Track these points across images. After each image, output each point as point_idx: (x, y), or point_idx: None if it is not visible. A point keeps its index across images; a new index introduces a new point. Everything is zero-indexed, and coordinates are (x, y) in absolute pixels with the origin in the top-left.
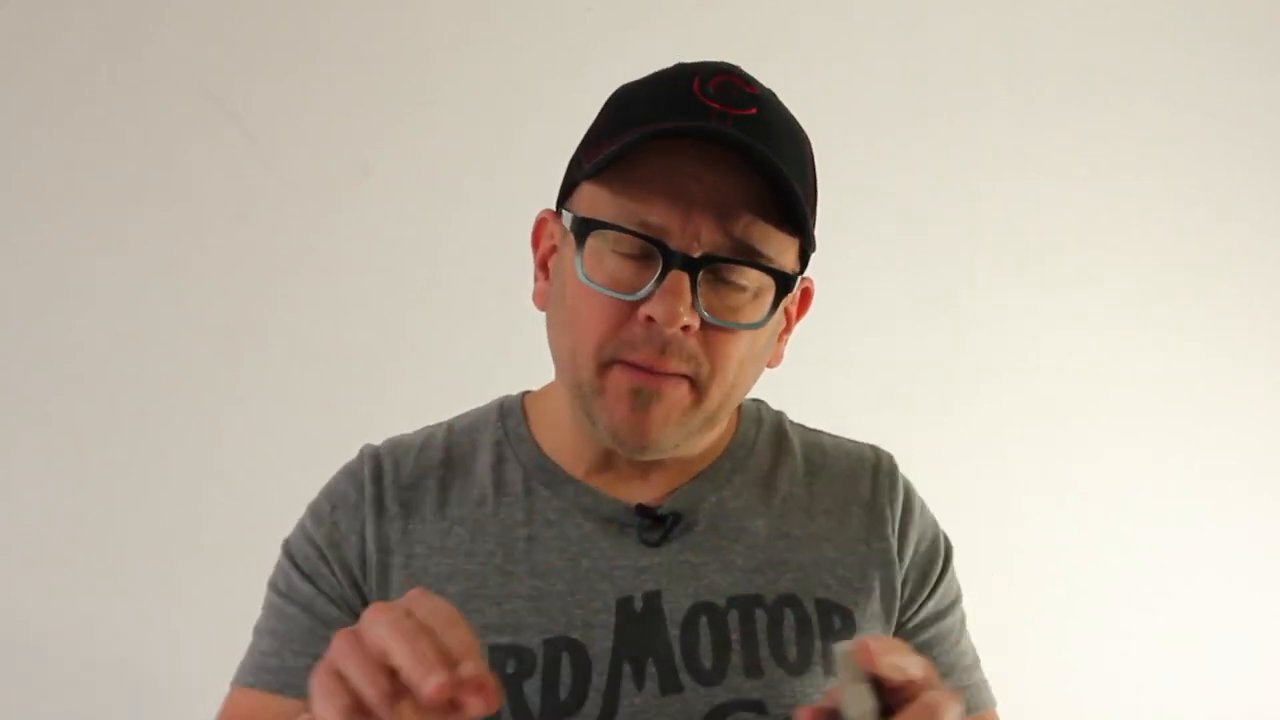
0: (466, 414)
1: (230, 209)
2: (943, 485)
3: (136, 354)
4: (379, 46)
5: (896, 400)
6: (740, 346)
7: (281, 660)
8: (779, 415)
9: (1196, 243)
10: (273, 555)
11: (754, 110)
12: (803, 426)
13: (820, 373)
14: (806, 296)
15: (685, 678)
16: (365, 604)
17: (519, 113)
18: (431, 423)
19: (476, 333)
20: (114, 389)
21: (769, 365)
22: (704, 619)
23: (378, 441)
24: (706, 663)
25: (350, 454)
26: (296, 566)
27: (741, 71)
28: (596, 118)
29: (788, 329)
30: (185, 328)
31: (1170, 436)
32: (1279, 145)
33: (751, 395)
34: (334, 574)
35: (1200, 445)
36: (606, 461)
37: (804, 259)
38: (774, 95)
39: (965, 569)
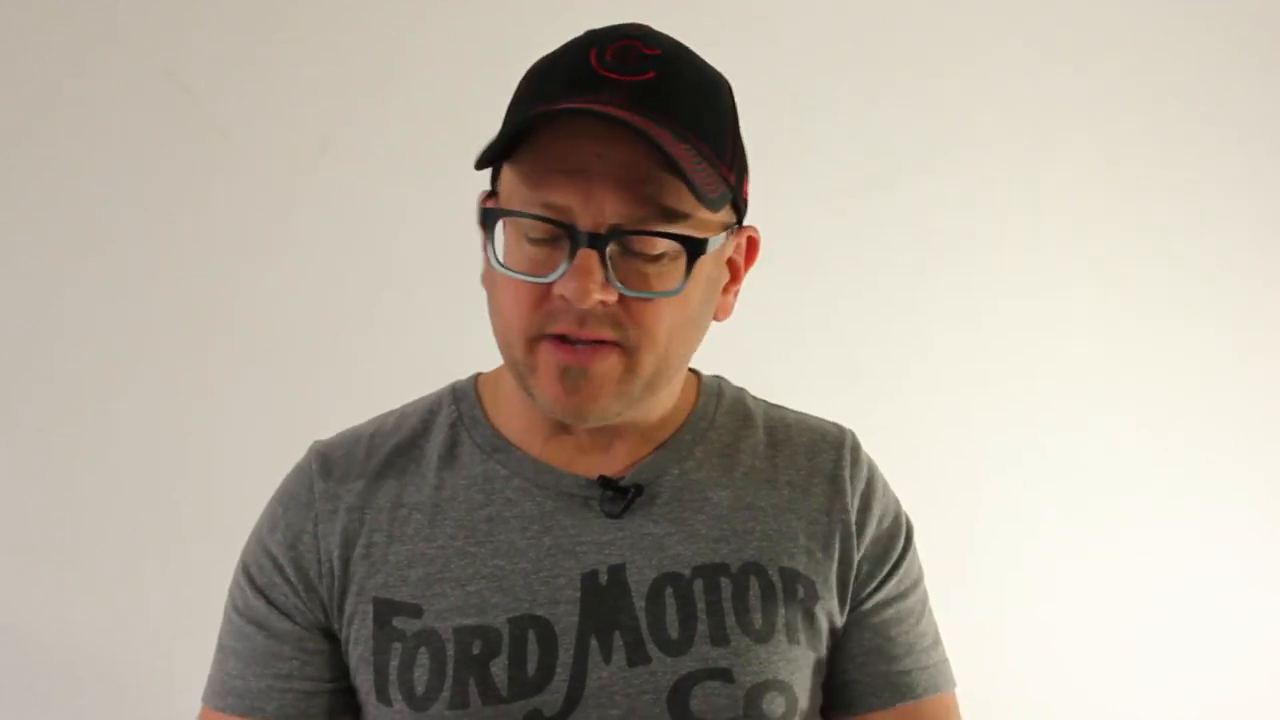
0: (417, 401)
1: (185, 185)
2: (907, 465)
3: (91, 338)
4: (338, 14)
5: (859, 376)
6: (665, 313)
7: (246, 682)
8: (740, 390)
9: (1173, 214)
10: (235, 539)
11: (651, 75)
12: (765, 401)
13: (781, 347)
14: (753, 246)
15: (652, 649)
16: (323, 609)
17: (485, 83)
18: (392, 405)
19: (442, 313)
20: (70, 374)
21: (717, 318)
22: (669, 589)
23: (337, 425)
24: (673, 633)
25: (315, 433)
26: (251, 581)
27: (647, 33)
28: (513, 95)
29: (735, 279)
30: (140, 307)
31: (1146, 414)
32: (1249, 119)
33: (712, 372)
34: (288, 581)
35: (1179, 426)
36: (563, 435)
37: (739, 212)
38: (680, 50)
39: (927, 549)
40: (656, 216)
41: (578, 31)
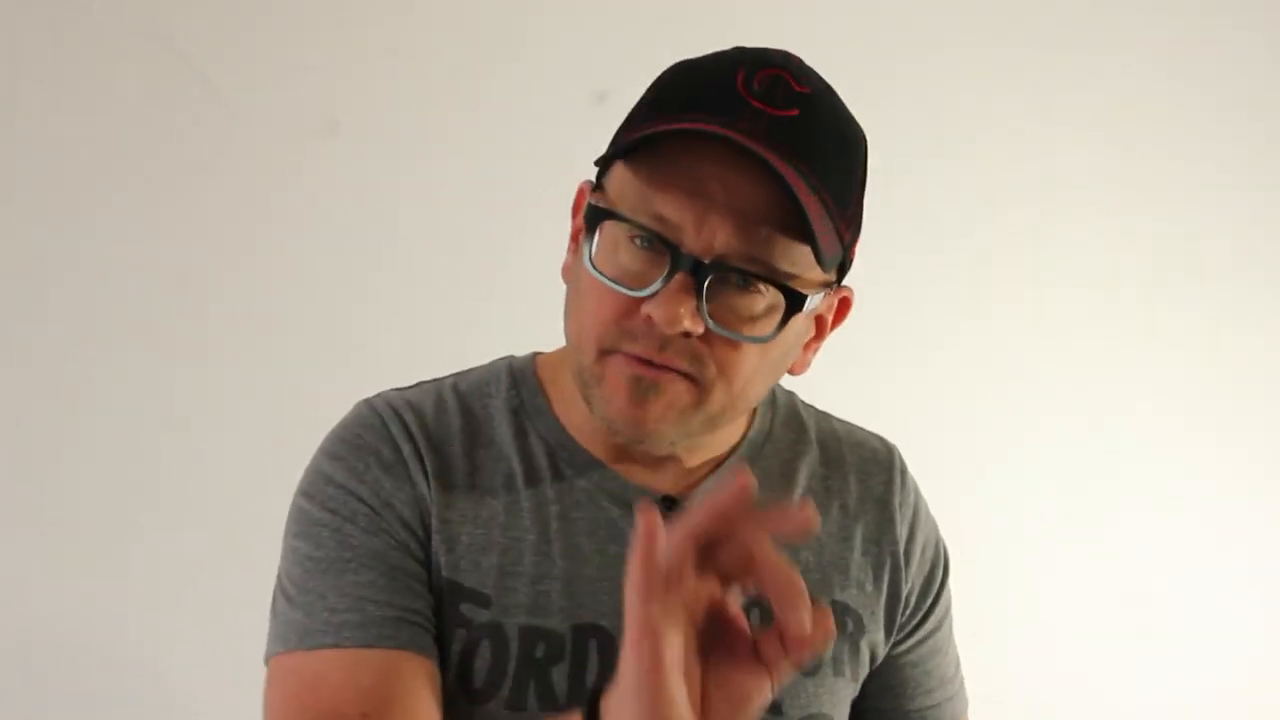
0: (469, 374)
1: (191, 165)
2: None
3: (94, 315)
4: None
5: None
6: (748, 357)
7: (364, 614)
8: (791, 396)
9: (1178, 203)
10: (234, 525)
11: (796, 112)
12: (815, 409)
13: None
14: (844, 306)
15: None
16: (430, 564)
17: (498, 63)
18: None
19: (448, 297)
20: (72, 350)
21: (791, 372)
22: None
23: (337, 412)
24: None
25: (317, 416)
26: (349, 520)
27: (797, 66)
28: (646, 92)
29: (819, 336)
30: (144, 288)
31: (1149, 407)
32: (1252, 97)
33: None
34: (402, 528)
35: (1186, 419)
36: (624, 444)
37: (841, 270)
38: (828, 93)
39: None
40: (765, 259)
41: (587, 11)
